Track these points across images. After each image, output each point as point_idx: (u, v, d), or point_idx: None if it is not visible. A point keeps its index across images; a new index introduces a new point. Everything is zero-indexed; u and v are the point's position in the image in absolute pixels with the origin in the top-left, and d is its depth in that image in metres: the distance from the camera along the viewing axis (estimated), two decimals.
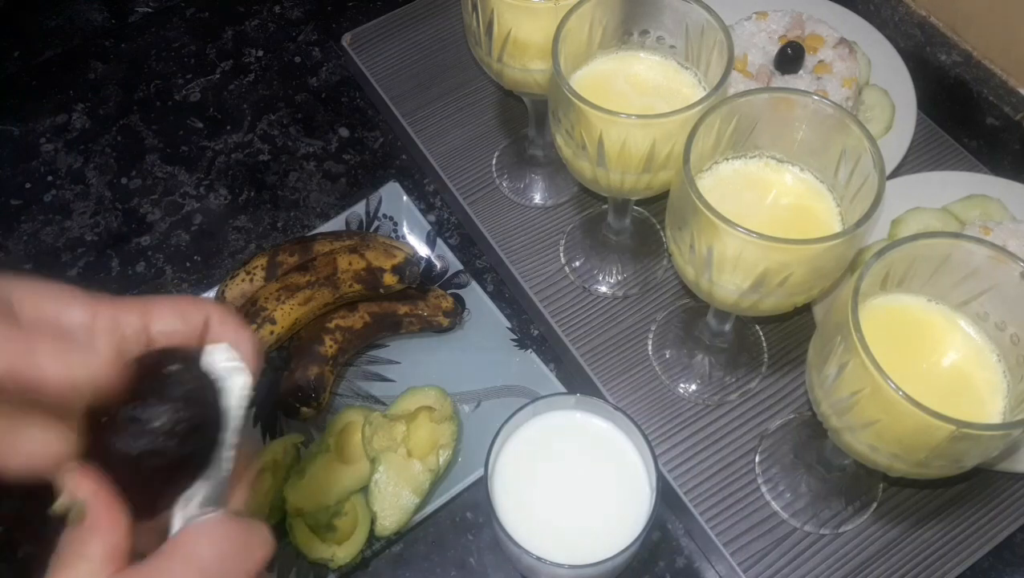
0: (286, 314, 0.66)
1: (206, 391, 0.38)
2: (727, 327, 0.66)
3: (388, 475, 0.62)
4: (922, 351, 0.50)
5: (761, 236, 0.47)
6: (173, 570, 0.35)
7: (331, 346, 0.67)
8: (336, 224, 0.77)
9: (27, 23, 0.94)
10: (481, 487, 0.55)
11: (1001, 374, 0.49)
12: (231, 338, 0.41)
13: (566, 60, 0.56)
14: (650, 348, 0.69)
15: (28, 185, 0.83)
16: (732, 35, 0.55)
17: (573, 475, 0.55)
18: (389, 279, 0.69)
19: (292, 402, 0.65)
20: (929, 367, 0.49)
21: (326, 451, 0.63)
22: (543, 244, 0.75)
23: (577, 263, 0.74)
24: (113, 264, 0.78)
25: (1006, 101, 0.76)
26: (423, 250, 0.75)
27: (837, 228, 0.53)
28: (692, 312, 0.71)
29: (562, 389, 0.67)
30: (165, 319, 0.39)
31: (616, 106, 0.52)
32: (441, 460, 0.63)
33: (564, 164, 0.60)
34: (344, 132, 0.86)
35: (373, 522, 0.61)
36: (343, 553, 0.59)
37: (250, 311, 0.66)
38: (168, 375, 0.37)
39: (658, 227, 0.76)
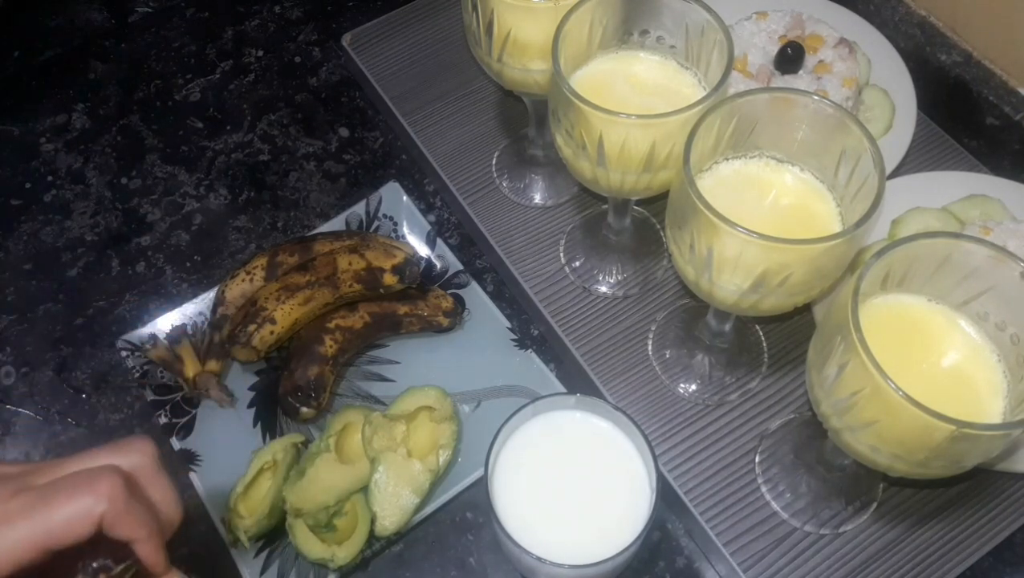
0: (286, 314, 0.66)
1: None
2: (727, 327, 0.66)
3: (388, 475, 0.62)
4: (922, 351, 0.50)
5: (761, 236, 0.47)
6: None
7: (331, 346, 0.67)
8: (336, 224, 0.77)
9: (27, 23, 0.94)
10: (481, 487, 0.55)
11: (1001, 374, 0.49)
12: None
13: (566, 60, 0.56)
14: (650, 348, 0.69)
15: (28, 185, 0.83)
16: (732, 35, 0.55)
17: (573, 475, 0.55)
18: (389, 279, 0.69)
19: (292, 402, 0.65)
20: (929, 367, 0.49)
21: (326, 451, 0.63)
22: (543, 244, 0.75)
23: (577, 263, 0.74)
24: (113, 264, 0.78)
25: (1006, 101, 0.76)
26: (423, 250, 0.75)
27: (837, 228, 0.53)
28: (692, 312, 0.71)
29: (562, 389, 0.67)
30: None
31: (616, 106, 0.52)
32: (441, 460, 0.63)
33: (564, 164, 0.60)
34: (344, 132, 0.86)
35: (373, 522, 0.61)
36: (343, 553, 0.59)
37: (250, 311, 0.66)
38: None
39: (658, 227, 0.76)
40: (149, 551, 0.43)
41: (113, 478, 0.41)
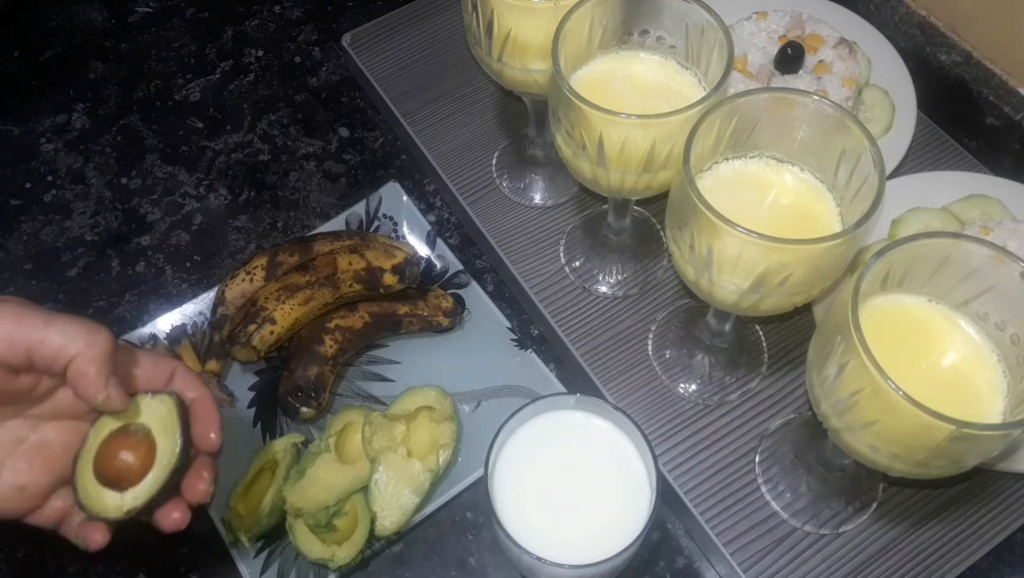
0: (286, 314, 0.66)
1: None
2: (727, 327, 0.66)
3: (388, 475, 0.62)
4: (922, 351, 0.50)
5: (761, 236, 0.47)
6: None
7: (331, 346, 0.67)
8: (336, 224, 0.77)
9: (27, 23, 0.94)
10: (481, 487, 0.55)
11: (1001, 374, 0.49)
12: (190, 385, 0.50)
13: (566, 60, 0.56)
14: (650, 348, 0.69)
15: (28, 185, 0.83)
16: (732, 35, 0.55)
17: (573, 475, 0.55)
18: (389, 279, 0.69)
19: (292, 402, 0.65)
20: (929, 367, 0.49)
21: (326, 451, 0.63)
22: (543, 244, 0.75)
23: (577, 263, 0.74)
24: (113, 264, 0.78)
25: (1006, 101, 0.76)
26: (423, 250, 0.75)
27: (837, 228, 0.53)
28: (692, 312, 0.71)
29: (562, 389, 0.67)
30: (144, 371, 0.49)
31: (616, 106, 0.52)
32: (441, 460, 0.63)
33: (564, 164, 0.60)
34: (344, 132, 0.86)
35: (373, 522, 0.61)
36: (343, 553, 0.59)
37: (250, 311, 0.66)
38: None
39: (658, 227, 0.76)
40: (207, 404, 0.50)
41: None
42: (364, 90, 0.88)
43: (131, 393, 0.47)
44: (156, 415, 0.48)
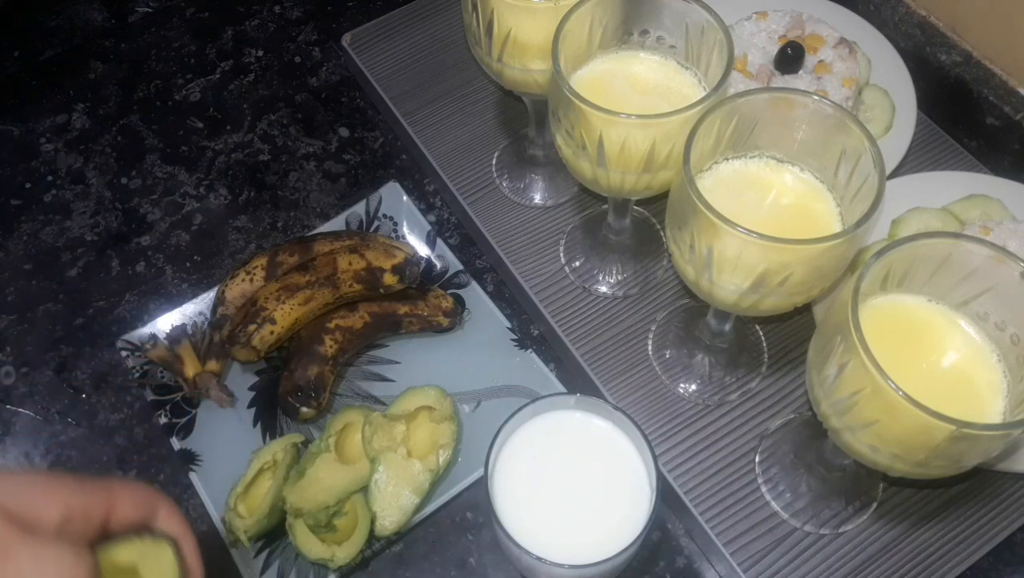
0: (286, 314, 0.66)
1: None
2: (727, 327, 0.66)
3: (388, 475, 0.62)
4: (922, 351, 0.50)
5: (761, 236, 0.47)
6: None
7: (331, 346, 0.67)
8: (336, 224, 0.77)
9: (27, 23, 0.94)
10: (481, 487, 0.55)
11: (1001, 374, 0.49)
12: (174, 528, 0.45)
13: (566, 60, 0.56)
14: (650, 348, 0.69)
15: (28, 185, 0.83)
16: (732, 35, 0.55)
17: (573, 475, 0.55)
18: (389, 279, 0.69)
19: (292, 402, 0.65)
20: (929, 367, 0.49)
21: (326, 451, 0.63)
22: (543, 244, 0.75)
23: (577, 263, 0.74)
24: (113, 264, 0.78)
25: (1006, 101, 0.76)
26: (423, 250, 0.75)
27: (837, 228, 0.53)
28: (692, 312, 0.71)
29: (562, 389, 0.67)
30: (126, 508, 0.44)
31: (616, 106, 0.52)
32: (441, 460, 0.63)
33: (564, 164, 0.60)
34: (344, 132, 0.86)
35: (373, 522, 0.61)
36: (343, 553, 0.59)
37: (250, 311, 0.66)
38: None
39: (658, 227, 0.76)
40: (193, 550, 0.45)
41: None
42: (364, 90, 0.88)
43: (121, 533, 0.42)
44: (154, 565, 0.42)
